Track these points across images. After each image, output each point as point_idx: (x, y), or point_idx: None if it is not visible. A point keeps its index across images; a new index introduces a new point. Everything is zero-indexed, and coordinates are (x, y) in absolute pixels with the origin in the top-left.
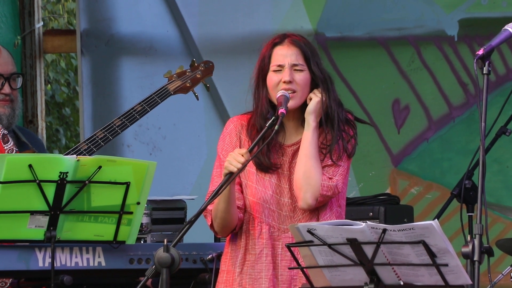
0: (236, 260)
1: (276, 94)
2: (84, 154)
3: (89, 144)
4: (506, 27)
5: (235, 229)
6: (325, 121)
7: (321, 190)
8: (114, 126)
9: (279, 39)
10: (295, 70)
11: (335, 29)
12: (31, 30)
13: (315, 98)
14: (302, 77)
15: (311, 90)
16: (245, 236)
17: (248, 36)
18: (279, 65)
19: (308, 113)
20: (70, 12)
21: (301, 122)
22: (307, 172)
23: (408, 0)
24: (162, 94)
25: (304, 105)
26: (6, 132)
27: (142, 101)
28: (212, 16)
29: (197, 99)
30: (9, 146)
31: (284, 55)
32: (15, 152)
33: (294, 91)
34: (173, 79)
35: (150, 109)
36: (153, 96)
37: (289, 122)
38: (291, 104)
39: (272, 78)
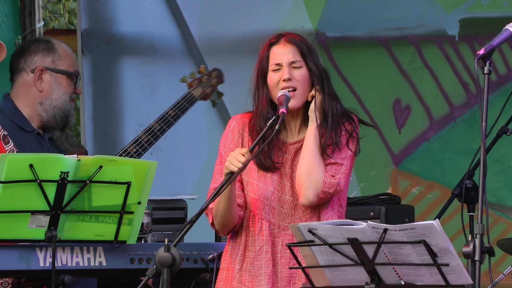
0: (236, 257)
1: (277, 93)
2: (133, 156)
3: (137, 147)
4: (507, 26)
5: (235, 227)
6: (322, 118)
7: (323, 187)
8: (155, 131)
9: (275, 39)
10: (293, 67)
11: (336, 29)
12: (32, 30)
13: (318, 95)
14: (301, 73)
15: (311, 87)
16: (245, 233)
17: (249, 36)
18: (277, 64)
19: (312, 111)
20: (70, 12)
21: (304, 120)
22: (310, 168)
23: (409, 0)
24: (189, 100)
25: (306, 103)
26: (6, 133)
27: (174, 106)
28: (213, 16)
29: (214, 106)
30: (9, 147)
31: (281, 53)
32: (15, 153)
33: (294, 89)
34: (194, 85)
35: (182, 114)
36: (181, 102)
37: (292, 120)
38: (293, 103)
39: (272, 77)
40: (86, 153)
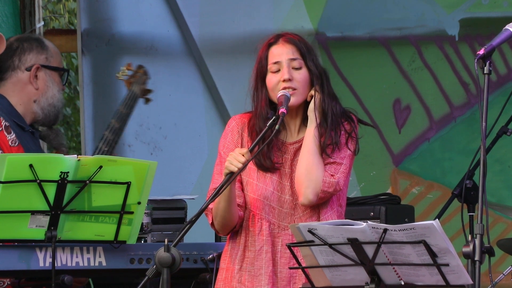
0: (236, 257)
1: (277, 94)
2: (104, 154)
3: (108, 146)
4: (507, 26)
5: (235, 227)
6: (321, 117)
7: (323, 186)
8: (115, 129)
9: (274, 39)
10: (293, 68)
11: (336, 29)
12: (32, 29)
13: (318, 95)
14: (301, 75)
15: (310, 87)
16: (245, 233)
17: (249, 36)
18: (276, 62)
19: (311, 110)
20: (71, 12)
21: (303, 120)
22: (309, 168)
23: (409, 0)
24: (133, 98)
25: (306, 103)
26: (8, 124)
27: (124, 104)
28: (213, 16)
29: (147, 102)
30: (11, 137)
31: (280, 53)
32: (17, 143)
33: (294, 89)
34: (132, 82)
35: (131, 112)
36: (128, 100)
37: (291, 120)
38: (293, 100)
39: (271, 79)
40: (67, 153)
